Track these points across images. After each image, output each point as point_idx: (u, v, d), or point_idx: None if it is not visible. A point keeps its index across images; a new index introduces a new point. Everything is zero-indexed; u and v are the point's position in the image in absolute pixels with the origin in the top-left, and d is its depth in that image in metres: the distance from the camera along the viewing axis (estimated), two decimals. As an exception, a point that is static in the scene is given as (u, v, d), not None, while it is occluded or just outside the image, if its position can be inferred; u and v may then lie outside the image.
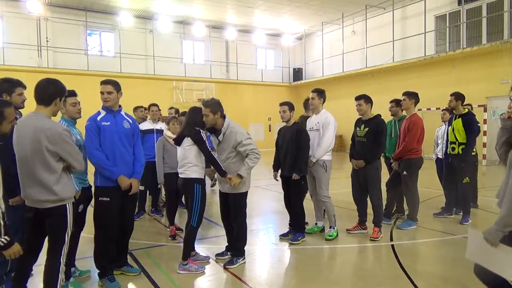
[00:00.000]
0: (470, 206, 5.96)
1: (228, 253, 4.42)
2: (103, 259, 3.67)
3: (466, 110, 5.82)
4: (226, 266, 4.12)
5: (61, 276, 2.92)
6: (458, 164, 5.73)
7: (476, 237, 2.36)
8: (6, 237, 2.43)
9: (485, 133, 13.56)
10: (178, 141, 4.11)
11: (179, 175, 4.10)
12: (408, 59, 17.18)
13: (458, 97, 5.77)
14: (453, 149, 5.80)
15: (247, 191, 4.29)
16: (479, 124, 6.39)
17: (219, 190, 4.39)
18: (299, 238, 4.94)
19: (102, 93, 3.63)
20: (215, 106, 4.04)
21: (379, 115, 5.18)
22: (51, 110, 2.92)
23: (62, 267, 2.93)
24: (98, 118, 3.60)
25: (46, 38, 18.08)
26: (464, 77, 15.12)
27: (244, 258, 4.27)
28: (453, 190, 6.05)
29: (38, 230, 2.94)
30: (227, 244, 4.49)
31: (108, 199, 3.59)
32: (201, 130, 4.02)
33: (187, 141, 4.01)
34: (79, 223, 3.72)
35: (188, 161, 3.99)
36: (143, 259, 4.38)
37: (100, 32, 19.84)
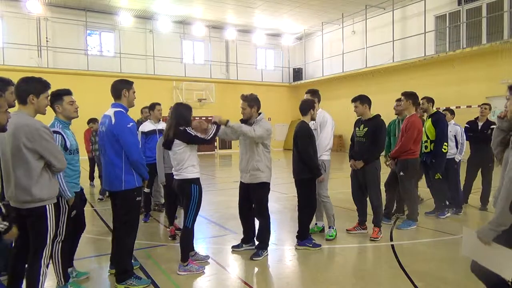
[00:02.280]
0: (444, 201, 6.10)
1: (244, 245, 4.61)
2: (129, 259, 3.69)
3: (434, 110, 6.23)
4: (253, 258, 4.31)
5: (42, 279, 2.85)
6: (429, 160, 5.96)
7: (470, 236, 2.39)
8: (5, 222, 2.49)
9: (485, 133, 13.55)
10: (168, 145, 3.98)
11: (175, 177, 4.04)
12: (408, 59, 17.18)
13: (429, 100, 6.22)
14: (426, 147, 6.06)
15: (268, 183, 4.44)
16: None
17: (240, 181, 4.56)
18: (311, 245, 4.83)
19: (135, 93, 3.75)
20: (252, 100, 4.34)
21: (378, 115, 5.18)
22: (30, 108, 2.89)
23: (43, 270, 2.86)
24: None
25: (46, 38, 18.08)
26: (464, 77, 15.12)
27: (267, 251, 4.48)
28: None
29: (23, 230, 2.90)
30: (243, 236, 4.68)
31: (140, 198, 3.76)
32: (186, 128, 3.90)
33: (178, 144, 3.90)
34: (79, 225, 3.71)
35: (183, 163, 3.92)
36: (143, 259, 4.38)
37: (100, 32, 19.84)
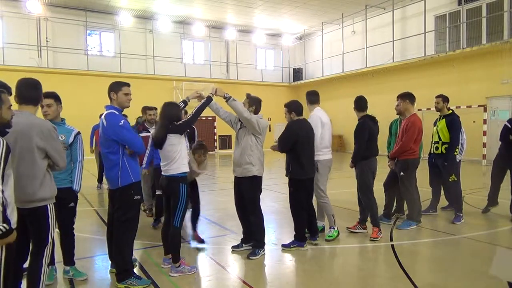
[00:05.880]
0: (462, 205, 5.94)
1: (244, 245, 4.61)
2: (129, 258, 3.69)
3: (450, 111, 5.98)
4: (250, 257, 4.33)
5: (43, 278, 2.88)
6: (441, 163, 5.86)
7: (506, 255, 2.36)
8: (4, 224, 2.24)
9: (485, 133, 13.51)
10: (159, 144, 3.96)
11: (163, 173, 4.00)
12: (408, 59, 17.17)
13: (444, 99, 6.01)
14: (437, 148, 5.97)
15: (260, 177, 4.43)
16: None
17: (234, 176, 4.56)
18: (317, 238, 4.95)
19: (127, 94, 3.72)
20: (253, 100, 4.50)
21: (364, 116, 5.23)
22: (34, 109, 2.93)
23: (45, 269, 2.89)
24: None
25: (46, 38, 18.07)
26: (464, 77, 15.12)
27: (264, 249, 4.47)
28: (438, 188, 6.29)
29: (22, 229, 2.88)
30: (243, 236, 4.69)
31: (140, 197, 3.75)
32: (175, 122, 3.96)
33: (170, 140, 3.90)
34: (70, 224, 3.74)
35: (173, 160, 3.91)
36: (143, 259, 4.38)
37: (100, 32, 19.83)
